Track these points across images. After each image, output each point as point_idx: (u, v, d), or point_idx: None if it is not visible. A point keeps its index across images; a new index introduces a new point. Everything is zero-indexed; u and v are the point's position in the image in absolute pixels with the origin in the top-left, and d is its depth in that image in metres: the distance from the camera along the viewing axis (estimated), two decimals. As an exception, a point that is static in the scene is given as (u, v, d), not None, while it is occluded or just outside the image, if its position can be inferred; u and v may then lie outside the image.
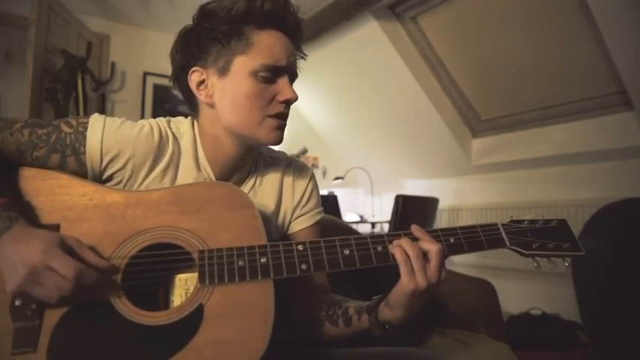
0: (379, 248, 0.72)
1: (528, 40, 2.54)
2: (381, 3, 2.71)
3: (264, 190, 0.86)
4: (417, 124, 3.32)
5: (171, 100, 3.49)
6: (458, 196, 3.46)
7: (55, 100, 2.53)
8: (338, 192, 3.97)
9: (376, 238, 0.74)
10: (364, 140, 3.96)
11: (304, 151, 3.91)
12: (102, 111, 3.13)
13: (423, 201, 3.05)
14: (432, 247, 0.70)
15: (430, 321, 1.13)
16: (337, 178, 3.93)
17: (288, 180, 0.89)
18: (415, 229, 0.74)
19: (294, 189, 0.89)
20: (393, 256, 0.71)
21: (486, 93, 3.02)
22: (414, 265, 0.69)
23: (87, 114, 0.70)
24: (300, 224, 0.89)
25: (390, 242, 0.73)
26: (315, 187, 0.93)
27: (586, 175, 2.69)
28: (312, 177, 0.93)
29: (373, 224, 3.68)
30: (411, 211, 2.80)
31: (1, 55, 3.70)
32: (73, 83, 2.66)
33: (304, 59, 0.84)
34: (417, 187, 3.73)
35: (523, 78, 2.75)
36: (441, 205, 3.26)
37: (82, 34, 2.95)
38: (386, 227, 3.46)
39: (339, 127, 4.05)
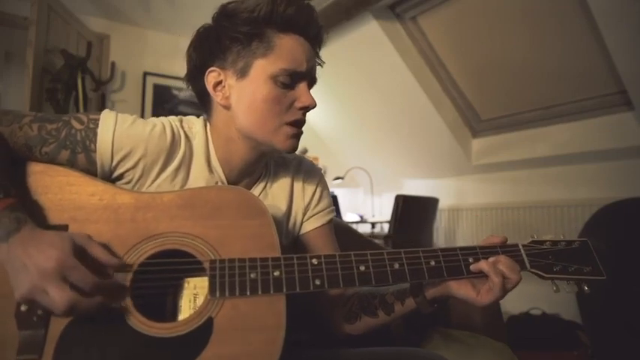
0: (396, 266, 0.70)
1: (528, 40, 2.54)
2: (381, 3, 2.71)
3: (275, 192, 0.86)
4: (417, 124, 3.32)
5: (172, 100, 3.50)
6: (458, 196, 3.46)
7: (55, 100, 2.53)
8: (338, 192, 3.97)
9: (393, 255, 0.71)
10: (364, 140, 3.96)
11: (304, 151, 3.91)
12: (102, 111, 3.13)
13: (423, 201, 3.05)
14: (516, 279, 0.72)
15: (431, 321, 1.13)
16: (337, 178, 3.93)
17: (298, 181, 0.88)
18: (504, 260, 0.73)
19: (305, 190, 0.88)
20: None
21: (486, 93, 3.02)
22: (501, 285, 0.71)
23: (77, 113, 0.70)
24: (312, 224, 0.88)
25: (407, 261, 0.72)
26: (326, 187, 0.92)
27: (586, 175, 2.69)
28: (322, 177, 0.92)
29: (373, 224, 3.68)
30: (411, 211, 2.81)
31: (1, 55, 3.70)
32: (73, 83, 2.66)
33: (321, 66, 0.83)
34: (417, 187, 3.73)
35: (523, 78, 2.75)
36: (441, 205, 3.26)
37: (82, 34, 2.95)
38: (386, 227, 3.46)
39: (339, 127, 4.04)
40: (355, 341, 0.84)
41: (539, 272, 0.75)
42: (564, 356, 2.17)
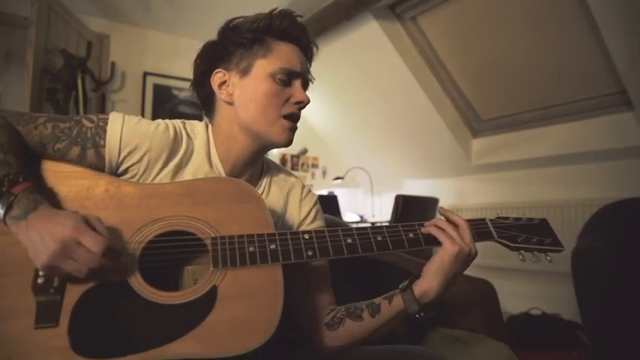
0: (379, 238, 0.78)
1: (528, 40, 2.54)
2: (381, 3, 2.71)
3: (270, 200, 0.91)
4: (417, 124, 3.32)
5: (171, 100, 3.49)
6: (458, 196, 3.47)
7: (55, 100, 2.53)
8: (338, 192, 3.97)
9: (375, 229, 0.80)
10: (364, 140, 3.96)
11: (304, 151, 3.91)
12: (102, 111, 3.14)
13: (423, 201, 3.05)
14: (461, 221, 0.79)
15: (430, 321, 1.14)
16: (337, 178, 3.93)
17: (294, 196, 0.94)
18: (442, 209, 0.83)
19: (302, 207, 0.94)
20: (427, 238, 0.79)
21: (486, 93, 3.03)
22: (451, 233, 0.77)
23: (87, 114, 0.78)
24: None
25: (389, 234, 0.80)
26: (320, 210, 0.98)
27: (586, 175, 2.69)
28: (318, 202, 0.98)
29: (373, 224, 3.68)
30: (411, 211, 2.81)
31: (1, 55, 3.70)
32: (73, 83, 2.66)
33: (311, 82, 0.92)
34: (417, 187, 3.74)
35: (523, 78, 2.76)
36: (441, 205, 3.26)
37: (82, 34, 2.95)
38: (386, 227, 3.46)
39: (339, 127, 4.05)
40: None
41: (507, 242, 0.82)
42: (564, 356, 2.17)
